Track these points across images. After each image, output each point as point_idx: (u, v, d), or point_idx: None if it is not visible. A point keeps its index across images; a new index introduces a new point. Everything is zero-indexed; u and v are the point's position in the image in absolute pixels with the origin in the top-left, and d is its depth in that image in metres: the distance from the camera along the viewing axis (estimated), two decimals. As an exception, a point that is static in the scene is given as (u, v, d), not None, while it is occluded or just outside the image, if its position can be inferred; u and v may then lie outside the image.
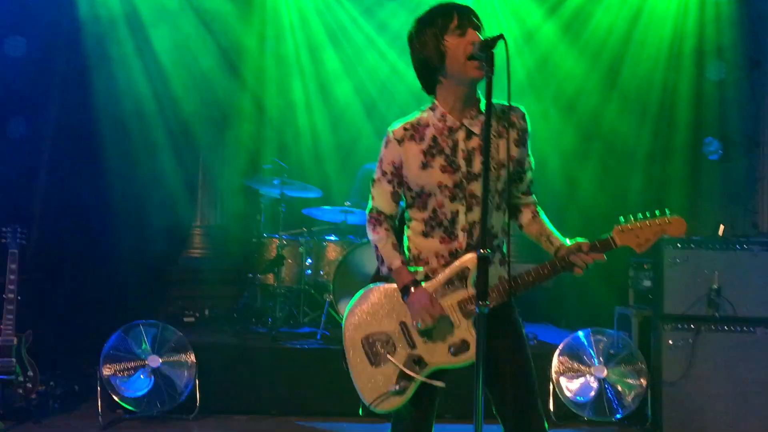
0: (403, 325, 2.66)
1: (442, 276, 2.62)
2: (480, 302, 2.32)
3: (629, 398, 5.09)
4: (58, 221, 5.99)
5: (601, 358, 5.14)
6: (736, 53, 6.49)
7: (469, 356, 2.57)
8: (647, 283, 5.60)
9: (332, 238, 6.27)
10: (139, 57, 6.65)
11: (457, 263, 2.61)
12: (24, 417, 4.86)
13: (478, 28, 2.57)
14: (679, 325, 4.96)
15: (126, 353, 5.02)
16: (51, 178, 6.05)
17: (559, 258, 2.58)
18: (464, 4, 2.63)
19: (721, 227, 5.22)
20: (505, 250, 2.71)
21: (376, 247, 2.73)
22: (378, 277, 2.80)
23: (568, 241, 2.62)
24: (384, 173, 2.70)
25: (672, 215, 2.57)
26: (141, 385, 4.99)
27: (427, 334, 2.61)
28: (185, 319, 6.36)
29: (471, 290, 2.59)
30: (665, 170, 6.68)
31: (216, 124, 7.31)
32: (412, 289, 2.59)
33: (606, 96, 6.89)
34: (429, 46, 2.61)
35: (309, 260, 6.15)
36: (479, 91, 2.66)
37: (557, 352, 5.17)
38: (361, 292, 2.75)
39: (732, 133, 6.49)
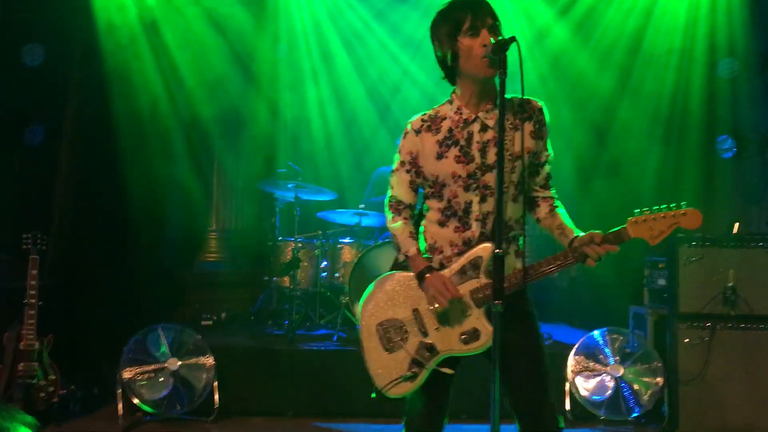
0: (415, 312, 2.73)
1: (456, 264, 2.68)
2: (496, 302, 2.36)
3: (645, 397, 5.09)
4: (76, 227, 6.06)
5: (617, 357, 5.15)
6: (748, 51, 6.47)
7: (480, 344, 2.62)
8: (662, 281, 5.59)
9: (347, 240, 6.31)
10: (155, 63, 6.71)
11: (470, 252, 2.66)
12: (46, 420, 4.91)
13: (492, 26, 2.61)
14: (695, 324, 4.95)
15: (145, 356, 5.08)
16: (69, 184, 6.11)
17: (572, 249, 2.61)
18: (479, 0, 2.67)
19: (736, 225, 5.21)
20: (521, 242, 2.75)
21: (395, 235, 2.80)
22: (397, 266, 2.86)
23: (582, 233, 2.64)
24: (402, 163, 2.79)
25: (687, 207, 2.53)
26: (160, 387, 5.05)
27: (440, 321, 2.67)
28: (202, 322, 6.42)
29: (483, 279, 2.65)
30: (678, 169, 6.66)
31: (231, 129, 7.37)
32: (428, 274, 2.66)
33: (618, 95, 6.88)
34: (444, 44, 2.69)
35: (324, 263, 6.20)
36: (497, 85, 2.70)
37: (573, 351, 5.18)
38: (378, 279, 2.82)
39: (745, 131, 6.47)
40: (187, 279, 7.22)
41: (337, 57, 7.44)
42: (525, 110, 2.70)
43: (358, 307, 2.81)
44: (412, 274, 2.74)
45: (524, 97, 2.62)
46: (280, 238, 6.37)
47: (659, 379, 5.09)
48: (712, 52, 6.64)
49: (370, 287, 2.82)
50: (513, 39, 2.44)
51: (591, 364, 5.17)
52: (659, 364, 5.12)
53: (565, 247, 2.65)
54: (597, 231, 2.58)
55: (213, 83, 7.04)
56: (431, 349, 2.67)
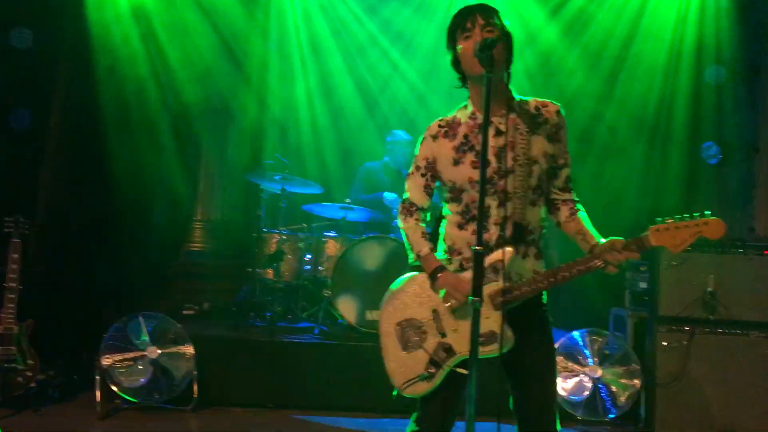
0: (435, 312, 2.75)
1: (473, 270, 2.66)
2: (474, 298, 2.37)
3: (623, 398, 5.13)
4: (60, 213, 6.04)
5: (595, 359, 5.18)
6: (735, 58, 6.52)
7: (498, 347, 2.63)
8: (643, 284, 5.65)
9: (332, 234, 6.31)
10: (144, 52, 6.69)
11: (490, 256, 2.67)
12: (23, 405, 4.91)
13: (486, 24, 2.66)
14: (674, 327, 5.00)
15: (125, 344, 5.07)
16: (54, 170, 6.09)
17: (593, 255, 2.62)
18: (476, 2, 2.74)
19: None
20: (541, 245, 2.78)
21: (407, 235, 2.85)
22: (413, 268, 2.89)
23: (602, 240, 2.65)
24: (418, 167, 2.85)
25: (710, 216, 2.50)
26: (139, 375, 5.04)
27: (458, 323, 2.68)
28: (184, 312, 6.41)
29: (503, 283, 2.66)
30: (662, 173, 6.71)
31: (218, 119, 7.35)
32: (440, 273, 2.70)
33: (605, 98, 6.92)
34: (450, 50, 2.79)
35: (308, 256, 6.20)
36: (511, 88, 2.76)
37: (552, 351, 5.20)
38: (400, 280, 2.84)
39: (730, 138, 6.52)
40: (171, 268, 7.20)
41: (326, 50, 7.43)
42: (540, 113, 2.74)
43: (381, 306, 2.84)
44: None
45: (540, 100, 2.65)
46: (264, 229, 6.36)
47: (636, 381, 5.13)
48: (699, 59, 6.69)
49: (393, 287, 2.85)
50: (500, 38, 2.47)
51: (570, 364, 5.20)
52: (637, 367, 5.16)
53: (586, 252, 2.67)
54: (619, 238, 2.59)
55: (202, 74, 7.02)
56: (449, 350, 2.69)
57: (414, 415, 2.85)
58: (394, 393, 2.82)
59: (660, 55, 6.80)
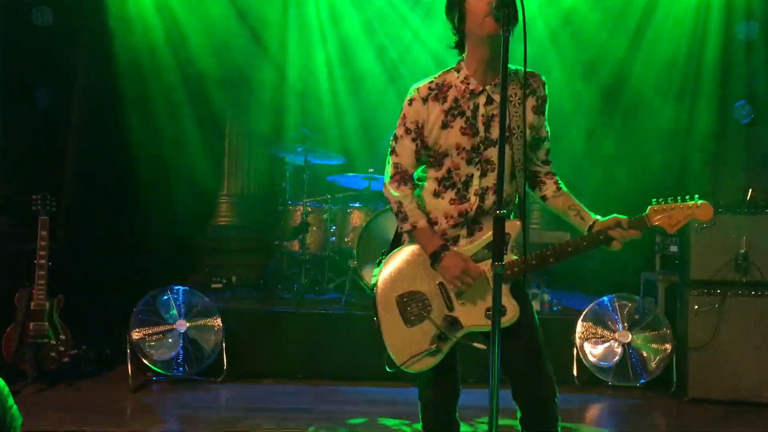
0: (441, 286, 2.68)
1: (482, 240, 2.64)
2: (495, 263, 2.32)
3: (653, 364, 5.08)
4: (87, 189, 6.09)
5: (625, 324, 5.13)
6: (766, 14, 6.31)
7: (506, 320, 2.60)
8: (674, 248, 5.57)
9: (356, 204, 6.29)
10: (162, 24, 6.66)
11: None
12: (57, 379, 5.00)
13: None
14: (706, 291, 4.93)
15: (155, 318, 5.13)
16: (79, 146, 6.12)
17: (596, 232, 2.61)
18: None
19: (750, 191, 5.14)
20: (513, 216, 2.73)
21: (400, 203, 2.70)
22: (397, 239, 2.81)
23: (600, 217, 2.65)
24: (408, 130, 2.69)
25: (700, 200, 2.63)
26: (169, 348, 5.10)
27: (465, 296, 2.63)
28: (213, 285, 6.45)
29: (510, 256, 2.63)
30: (690, 133, 6.55)
31: (240, 93, 7.33)
32: (444, 254, 2.60)
33: (630, 56, 6.73)
34: (454, 6, 2.65)
35: (333, 227, 6.19)
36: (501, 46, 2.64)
37: (581, 317, 5.17)
38: (395, 251, 2.74)
39: (760, 96, 6.34)
40: (198, 243, 7.25)
41: (346, 19, 7.33)
42: (529, 84, 2.66)
43: (374, 278, 2.74)
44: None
45: (528, 70, 2.53)
46: (289, 202, 6.36)
47: (668, 346, 5.08)
48: (729, 14, 6.49)
49: (385, 259, 2.74)
50: (517, -4, 2.37)
51: (599, 330, 5.15)
52: (668, 331, 5.10)
53: (581, 229, 2.66)
54: (621, 216, 2.61)
55: (220, 45, 6.98)
56: (455, 323, 2.63)
57: (420, 405, 2.84)
58: (387, 368, 2.73)
59: (688, 10, 6.60)
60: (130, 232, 6.30)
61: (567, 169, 2.75)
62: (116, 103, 6.27)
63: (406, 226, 2.69)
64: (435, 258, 2.62)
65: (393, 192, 2.72)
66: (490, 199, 2.64)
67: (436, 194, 2.70)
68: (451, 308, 2.65)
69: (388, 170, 2.76)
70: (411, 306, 2.67)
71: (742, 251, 4.86)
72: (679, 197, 2.65)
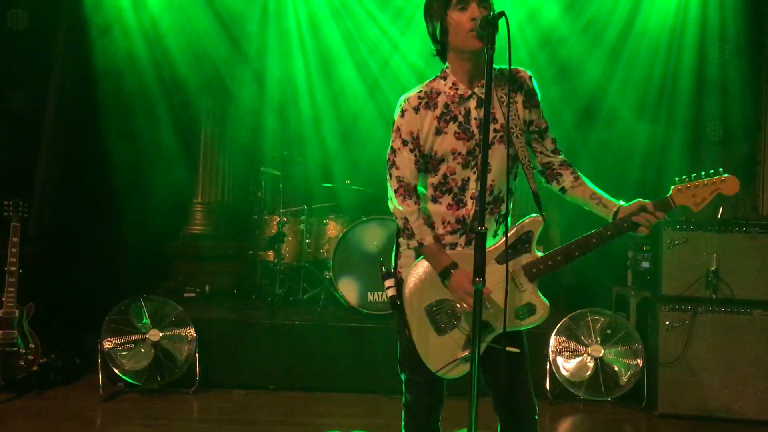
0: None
1: (503, 241, 2.61)
2: (476, 279, 2.34)
3: (625, 378, 5.13)
4: (59, 195, 6.01)
5: (597, 338, 5.17)
6: (739, 35, 6.44)
7: (536, 318, 2.62)
8: (646, 264, 5.63)
9: (332, 215, 6.29)
10: (141, 31, 6.62)
11: (518, 227, 2.64)
12: (25, 388, 4.93)
13: (483, 0, 2.56)
14: (677, 306, 4.99)
15: (127, 327, 5.07)
16: (53, 152, 6.05)
17: (621, 219, 2.60)
18: None
19: (721, 209, 5.23)
20: (509, 215, 2.73)
21: (407, 219, 2.65)
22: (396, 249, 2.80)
23: (623, 203, 2.63)
24: (405, 142, 2.66)
25: (725, 174, 2.59)
26: (141, 358, 5.04)
27: (492, 299, 2.58)
28: (186, 295, 6.40)
29: (535, 254, 2.64)
30: (665, 151, 6.66)
31: (218, 100, 7.29)
32: (453, 271, 2.57)
33: (607, 76, 6.83)
34: (434, 19, 2.65)
35: (309, 237, 6.18)
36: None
37: (554, 331, 5.20)
38: (414, 263, 2.71)
39: (733, 116, 6.46)
40: (172, 251, 7.18)
41: (326, 29, 7.33)
42: (515, 81, 2.67)
43: (389, 289, 2.71)
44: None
45: (512, 68, 2.56)
46: (265, 211, 6.34)
47: (639, 361, 5.13)
48: (703, 36, 6.61)
49: (409, 271, 2.70)
50: (502, 14, 2.38)
51: (572, 344, 5.19)
52: (639, 346, 5.15)
53: (606, 217, 2.64)
54: (645, 200, 2.60)
55: (200, 54, 6.94)
56: (485, 326, 2.60)
57: (404, 411, 2.82)
58: (403, 376, 2.76)
59: (663, 31, 6.71)
60: (103, 240, 6.23)
61: (543, 188, 2.73)
62: (92, 109, 6.21)
63: (413, 243, 2.67)
64: (444, 275, 2.60)
65: (399, 206, 2.67)
66: (486, 200, 2.62)
67: (433, 200, 2.69)
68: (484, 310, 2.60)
69: (391, 185, 2.71)
70: (440, 315, 2.66)
71: (713, 268, 4.94)
72: (703, 172, 2.61)
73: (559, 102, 6.72)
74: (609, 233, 2.60)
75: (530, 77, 2.71)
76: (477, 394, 2.35)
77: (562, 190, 2.77)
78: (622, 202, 2.64)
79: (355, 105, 7.32)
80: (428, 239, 2.63)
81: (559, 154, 2.79)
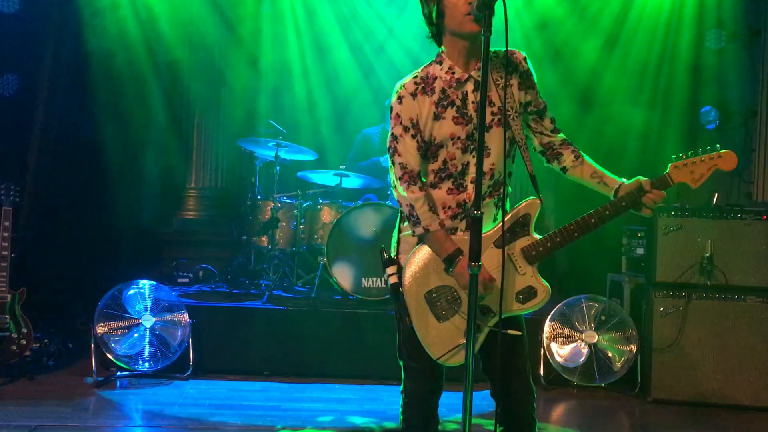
0: None
1: (502, 224, 2.59)
2: (472, 263, 2.32)
3: (619, 364, 5.14)
4: (52, 179, 5.98)
5: (591, 324, 5.18)
6: (736, 22, 6.43)
7: (538, 301, 2.61)
8: (640, 250, 5.64)
9: (327, 201, 6.25)
10: (134, 14, 6.56)
11: (516, 210, 2.63)
12: (18, 373, 4.90)
13: None
14: (671, 293, 5.00)
15: (120, 312, 5.04)
16: (45, 136, 6.01)
17: (619, 198, 2.59)
18: None
19: (716, 196, 5.23)
20: (508, 200, 2.72)
21: (412, 206, 2.61)
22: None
23: (625, 180, 2.62)
24: (406, 128, 2.63)
25: (723, 149, 2.58)
26: (134, 343, 5.02)
27: (493, 283, 2.56)
28: (179, 280, 6.37)
29: (534, 236, 2.62)
30: (661, 137, 6.65)
31: (211, 84, 7.23)
32: (458, 259, 2.54)
33: (604, 61, 6.82)
34: (430, 1, 2.63)
35: (303, 223, 6.14)
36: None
37: (548, 317, 5.21)
38: (415, 248, 2.68)
39: (729, 103, 6.46)
40: (165, 236, 7.15)
41: (320, 13, 7.28)
42: (510, 63, 2.64)
43: (390, 276, 2.68)
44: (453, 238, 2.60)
45: (505, 49, 2.53)
46: (259, 197, 6.30)
47: (633, 347, 5.14)
48: (700, 22, 6.59)
49: (409, 257, 2.67)
50: (497, -4, 2.37)
51: (566, 330, 5.20)
52: (633, 332, 5.16)
53: (608, 195, 2.63)
54: (643, 178, 2.59)
55: (193, 38, 6.90)
56: (487, 311, 2.59)
57: (402, 399, 2.80)
58: (402, 363, 2.74)
59: (660, 18, 6.69)
60: (96, 224, 6.20)
61: (539, 174, 2.71)
62: (84, 92, 6.17)
63: (418, 230, 2.62)
64: (449, 263, 2.56)
65: (403, 193, 2.63)
66: (487, 183, 2.62)
67: (433, 185, 2.67)
68: (481, 297, 2.58)
69: (395, 172, 2.67)
70: (440, 301, 2.63)
71: (707, 255, 4.95)
72: (700, 149, 2.60)
73: (555, 87, 6.70)
74: (608, 212, 2.58)
75: (524, 58, 2.69)
76: (472, 379, 2.34)
77: (563, 169, 2.75)
78: (624, 180, 2.63)
79: (349, 90, 7.29)
80: (434, 225, 2.60)
81: (559, 133, 2.77)
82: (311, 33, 7.31)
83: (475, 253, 2.32)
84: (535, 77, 2.71)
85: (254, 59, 7.23)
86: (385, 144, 2.80)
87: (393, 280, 2.69)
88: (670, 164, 2.60)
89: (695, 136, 6.65)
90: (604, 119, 6.78)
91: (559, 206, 6.73)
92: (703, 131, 6.58)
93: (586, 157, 2.74)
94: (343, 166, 6.16)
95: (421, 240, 2.65)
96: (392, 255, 2.75)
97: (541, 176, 2.74)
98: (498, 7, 2.37)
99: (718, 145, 2.59)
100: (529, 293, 2.61)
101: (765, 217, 4.97)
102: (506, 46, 2.46)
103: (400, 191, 2.65)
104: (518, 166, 2.76)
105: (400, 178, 2.65)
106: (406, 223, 2.70)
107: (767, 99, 6.12)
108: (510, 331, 2.60)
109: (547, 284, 2.63)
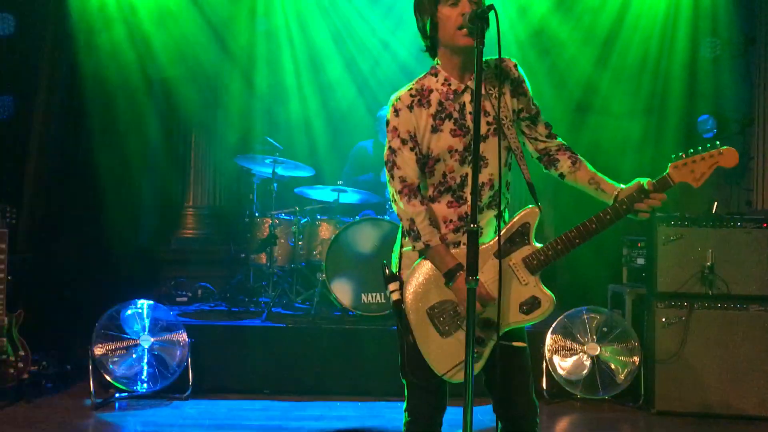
0: None
1: (502, 234, 2.57)
2: (469, 277, 2.30)
3: (622, 376, 5.09)
4: (49, 200, 5.96)
5: (594, 336, 5.14)
6: (731, 30, 6.43)
7: (543, 311, 2.57)
8: (641, 261, 5.61)
9: (325, 217, 6.24)
10: (128, 34, 6.57)
11: (515, 219, 2.61)
12: (16, 397, 4.86)
13: None
14: (673, 303, 4.96)
15: (118, 332, 5.01)
16: (41, 157, 6.00)
17: (619, 202, 2.55)
18: None
19: (715, 204, 5.21)
20: (506, 210, 2.70)
21: (412, 220, 2.58)
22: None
23: (623, 186, 2.59)
24: (404, 141, 2.60)
25: (723, 146, 2.53)
26: (133, 364, 4.99)
27: (495, 295, 2.52)
28: (177, 299, 6.35)
29: (535, 245, 2.59)
30: (658, 147, 6.64)
31: (207, 103, 7.23)
32: (458, 274, 2.51)
33: (599, 72, 6.82)
34: (425, 14, 2.62)
35: (301, 239, 6.12)
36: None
37: (550, 330, 5.17)
38: (416, 264, 2.65)
39: (726, 111, 6.45)
40: (163, 255, 7.13)
41: (315, 29, 7.28)
42: (502, 71, 2.63)
43: (393, 293, 2.64)
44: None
45: (497, 58, 2.51)
46: (257, 214, 6.29)
47: (636, 358, 5.10)
48: (695, 32, 6.60)
49: (410, 273, 2.64)
50: (491, 7, 2.36)
51: (568, 342, 5.16)
52: (636, 343, 5.12)
53: (607, 201, 2.60)
54: (644, 180, 2.55)
55: (188, 56, 6.89)
56: (490, 324, 2.55)
57: (406, 418, 2.75)
58: (404, 381, 2.70)
59: (655, 27, 6.70)
60: (94, 245, 6.17)
61: (537, 183, 2.69)
62: (80, 113, 6.17)
63: (419, 245, 2.59)
64: (449, 277, 2.53)
65: (404, 207, 2.60)
66: (486, 194, 2.60)
67: (432, 199, 2.65)
68: (484, 310, 2.55)
69: (394, 185, 2.63)
70: (443, 316, 2.59)
71: (708, 264, 4.91)
72: (700, 147, 2.55)
73: (551, 98, 6.69)
74: (608, 217, 2.55)
75: (515, 65, 2.68)
76: (473, 394, 2.31)
77: (561, 175, 2.72)
78: (622, 185, 2.60)
79: (345, 105, 7.30)
80: (435, 240, 2.57)
81: (555, 138, 2.75)
82: (306, 49, 7.31)
83: (472, 267, 2.30)
84: (527, 83, 2.69)
85: (249, 76, 7.24)
86: (378, 155, 2.79)
87: (395, 296, 2.65)
88: (669, 164, 2.55)
89: (692, 144, 6.59)
90: (600, 129, 6.77)
91: (558, 215, 6.71)
92: (700, 140, 6.56)
93: (585, 162, 2.71)
94: (340, 182, 6.14)
95: (422, 255, 2.63)
96: (394, 271, 2.71)
97: (540, 185, 2.72)
98: (491, 19, 2.36)
99: (718, 142, 2.54)
100: (533, 303, 2.57)
101: (765, 224, 4.93)
102: (499, 55, 2.44)
103: (400, 205, 2.62)
104: (517, 175, 2.73)
105: (400, 192, 2.62)
106: (407, 238, 2.67)
107: (764, 106, 6.11)
108: (515, 343, 2.58)
109: (551, 293, 2.59)
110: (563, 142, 2.77)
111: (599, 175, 2.67)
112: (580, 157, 2.73)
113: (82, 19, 6.22)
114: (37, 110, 6.02)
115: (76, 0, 6.22)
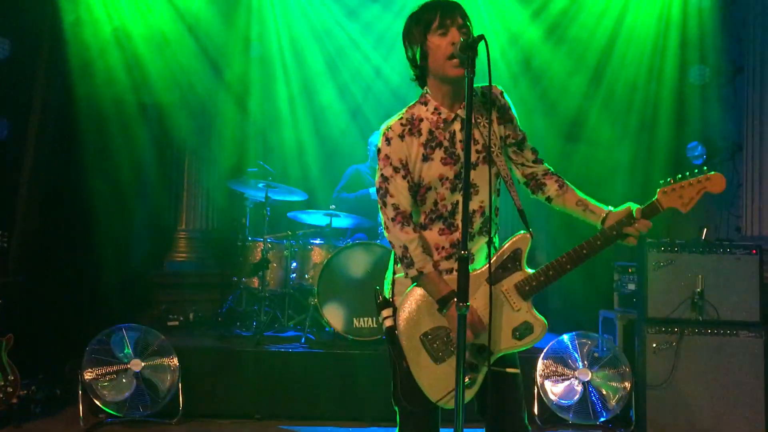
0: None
1: (494, 261, 2.59)
2: (461, 304, 2.31)
3: (613, 401, 5.09)
4: (40, 225, 5.95)
5: (585, 362, 5.14)
6: (719, 58, 6.52)
7: (535, 337, 2.59)
8: (631, 286, 5.63)
9: (317, 241, 6.25)
10: (122, 59, 6.61)
11: (507, 245, 2.62)
12: (5, 422, 4.82)
13: (462, 26, 2.57)
14: (663, 329, 4.98)
15: (108, 357, 4.98)
16: (33, 181, 5.99)
17: (609, 228, 2.58)
18: (452, 0, 2.63)
19: (705, 231, 5.24)
20: (496, 235, 2.72)
21: (406, 247, 2.59)
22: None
23: (612, 208, 2.62)
24: (396, 169, 2.62)
25: (711, 172, 2.57)
26: (123, 388, 4.95)
27: (487, 321, 2.55)
28: (169, 323, 6.33)
29: (527, 271, 2.60)
30: (648, 174, 6.70)
31: (200, 127, 7.27)
32: (452, 301, 2.51)
33: (589, 99, 6.91)
34: (414, 44, 2.65)
35: (294, 264, 6.13)
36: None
37: (541, 355, 5.17)
38: (408, 290, 2.66)
39: (715, 138, 6.52)
40: (155, 279, 7.11)
41: (308, 55, 7.36)
42: (488, 100, 2.67)
43: (386, 319, 2.66)
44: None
45: (484, 86, 2.56)
46: (249, 238, 6.30)
47: (627, 384, 5.09)
48: (683, 59, 6.69)
49: (402, 299, 2.66)
50: (481, 37, 2.39)
51: (559, 368, 5.16)
52: (627, 369, 5.12)
53: (595, 224, 2.63)
54: (634, 205, 2.59)
55: (182, 81, 6.93)
56: (483, 349, 2.56)
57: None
58: (396, 408, 2.69)
59: (644, 55, 6.79)
60: (85, 268, 6.16)
61: (527, 208, 2.71)
62: (74, 137, 6.17)
63: (412, 272, 2.60)
64: (443, 304, 2.54)
65: (396, 234, 2.62)
66: (478, 221, 2.63)
67: (423, 227, 2.67)
68: (476, 336, 2.56)
69: (387, 213, 2.64)
70: (436, 343, 2.61)
71: (698, 290, 4.94)
72: (687, 172, 2.59)
73: (543, 128, 6.76)
74: (599, 242, 2.58)
75: (501, 92, 2.72)
76: (465, 420, 2.32)
77: (548, 199, 2.75)
78: (610, 208, 2.63)
79: (337, 131, 7.34)
80: (428, 267, 2.59)
81: (542, 164, 2.79)
82: (299, 75, 7.38)
83: (463, 294, 2.32)
84: (513, 110, 2.73)
85: (243, 101, 7.29)
86: (373, 176, 2.81)
87: (388, 323, 2.66)
88: (658, 189, 2.59)
89: (682, 170, 6.66)
90: (590, 155, 6.82)
91: (549, 241, 6.74)
92: (690, 167, 6.61)
93: (571, 186, 2.74)
94: (333, 206, 6.16)
95: (415, 282, 2.64)
96: (387, 297, 2.72)
97: (531, 211, 2.74)
98: (481, 48, 2.40)
99: (705, 168, 2.58)
100: (525, 329, 2.59)
101: (754, 251, 4.97)
102: (489, 82, 2.48)
103: (393, 232, 2.63)
104: (505, 201, 2.76)
105: (392, 219, 2.63)
106: (399, 265, 2.68)
107: (752, 133, 6.17)
108: (508, 369, 2.59)
109: (543, 318, 2.61)
110: (549, 167, 2.80)
111: (585, 197, 2.71)
112: (567, 182, 2.76)
113: (76, 43, 6.25)
114: (31, 133, 6.02)
115: (71, 24, 6.26)
